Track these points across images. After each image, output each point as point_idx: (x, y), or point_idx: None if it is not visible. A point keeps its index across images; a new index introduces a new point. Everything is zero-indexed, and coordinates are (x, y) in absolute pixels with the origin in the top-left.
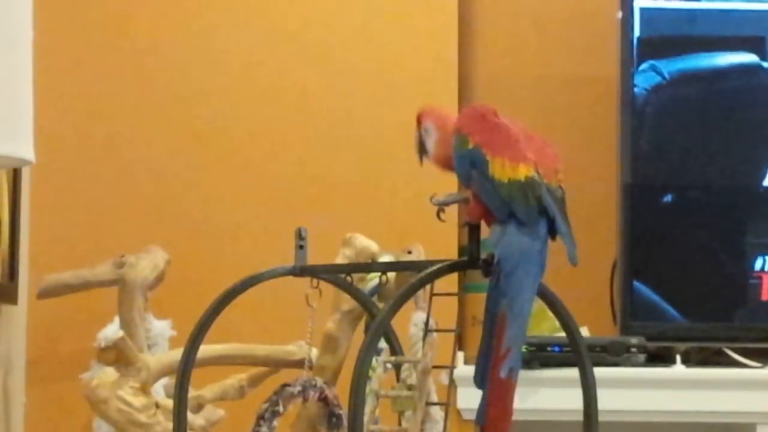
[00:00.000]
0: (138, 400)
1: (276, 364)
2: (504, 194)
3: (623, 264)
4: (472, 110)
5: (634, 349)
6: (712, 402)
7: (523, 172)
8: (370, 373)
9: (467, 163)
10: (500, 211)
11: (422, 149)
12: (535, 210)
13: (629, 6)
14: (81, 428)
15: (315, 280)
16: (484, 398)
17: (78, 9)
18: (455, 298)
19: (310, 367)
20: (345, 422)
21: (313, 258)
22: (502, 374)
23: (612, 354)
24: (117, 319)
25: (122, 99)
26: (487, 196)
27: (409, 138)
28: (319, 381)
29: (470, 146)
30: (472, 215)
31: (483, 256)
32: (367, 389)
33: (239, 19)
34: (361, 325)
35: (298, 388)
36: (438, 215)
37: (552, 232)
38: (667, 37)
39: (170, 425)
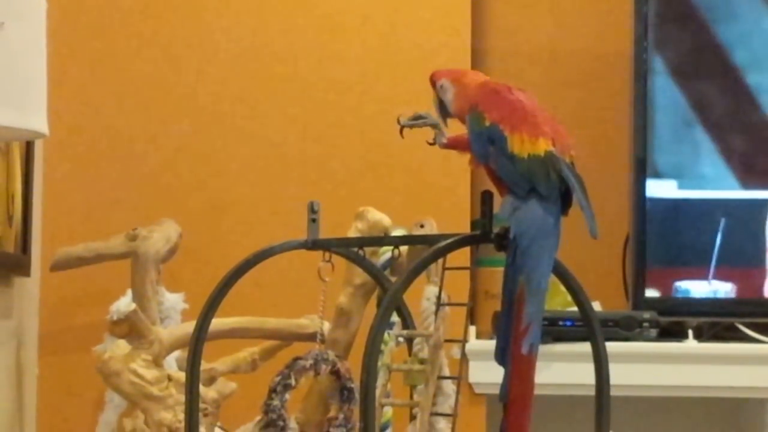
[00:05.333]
0: (150, 373)
1: (288, 337)
2: (524, 170)
3: (635, 238)
4: (485, 86)
5: (646, 324)
6: (724, 377)
7: (543, 146)
8: (382, 346)
9: (485, 140)
10: (520, 187)
11: (443, 110)
12: (556, 185)
13: None
14: (93, 401)
15: (327, 254)
16: (506, 375)
17: None
18: (467, 272)
19: (322, 341)
20: (357, 396)
21: (326, 231)
22: (524, 350)
23: (624, 328)
24: (129, 292)
25: (136, 72)
26: (507, 173)
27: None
28: (331, 354)
29: (487, 123)
30: (449, 145)
31: (495, 230)
32: (379, 363)
33: None
34: (373, 299)
35: (310, 361)
36: (401, 132)
37: (564, 206)
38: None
39: (182, 398)
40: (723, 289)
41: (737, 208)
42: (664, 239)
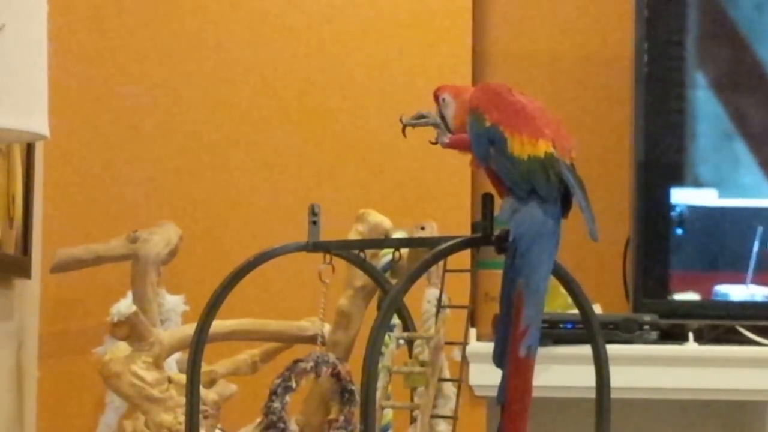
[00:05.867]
0: (151, 375)
1: (288, 339)
2: (524, 171)
3: (636, 241)
4: (486, 88)
5: (646, 327)
6: (724, 380)
7: (543, 148)
8: (383, 349)
9: (485, 142)
10: (520, 189)
11: (445, 126)
12: (556, 186)
13: None
14: (93, 402)
15: (328, 256)
16: (504, 377)
17: None
18: (468, 275)
19: (323, 343)
20: (357, 398)
21: (326, 234)
22: (522, 353)
23: (624, 331)
24: (130, 294)
25: (136, 73)
26: (507, 174)
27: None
28: (332, 357)
29: (487, 124)
30: (450, 145)
31: (496, 232)
32: (380, 365)
33: None
34: (374, 301)
35: (311, 363)
36: (403, 132)
37: (564, 209)
38: None
39: (183, 400)
40: (761, 293)
41: None
42: (701, 246)
